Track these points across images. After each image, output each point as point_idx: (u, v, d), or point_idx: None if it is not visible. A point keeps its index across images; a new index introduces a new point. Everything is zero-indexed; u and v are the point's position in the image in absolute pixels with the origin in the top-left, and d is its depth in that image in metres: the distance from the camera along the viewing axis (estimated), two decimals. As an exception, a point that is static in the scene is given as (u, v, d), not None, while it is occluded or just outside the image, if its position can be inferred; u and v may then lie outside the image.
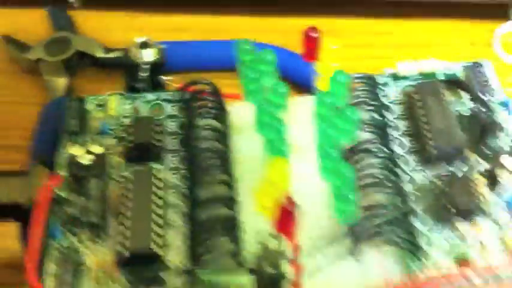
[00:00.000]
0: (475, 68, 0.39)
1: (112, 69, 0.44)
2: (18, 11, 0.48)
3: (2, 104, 0.43)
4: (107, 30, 0.46)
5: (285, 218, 0.28)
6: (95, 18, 0.47)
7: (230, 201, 0.33)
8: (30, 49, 0.44)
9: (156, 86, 0.38)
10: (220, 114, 0.37)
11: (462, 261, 0.31)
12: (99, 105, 0.37)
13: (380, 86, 0.38)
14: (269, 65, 0.35)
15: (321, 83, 0.35)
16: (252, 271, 0.28)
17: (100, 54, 0.44)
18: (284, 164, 0.30)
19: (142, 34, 0.46)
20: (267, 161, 0.32)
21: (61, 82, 0.43)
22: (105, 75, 0.44)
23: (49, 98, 0.42)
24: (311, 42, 0.35)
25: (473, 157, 0.34)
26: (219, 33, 0.46)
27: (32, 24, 0.47)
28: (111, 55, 0.44)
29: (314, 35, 0.35)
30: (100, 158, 0.34)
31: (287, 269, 0.28)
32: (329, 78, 0.34)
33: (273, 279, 0.27)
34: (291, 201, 0.28)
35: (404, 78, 0.39)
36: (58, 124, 0.37)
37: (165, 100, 0.38)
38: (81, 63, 0.44)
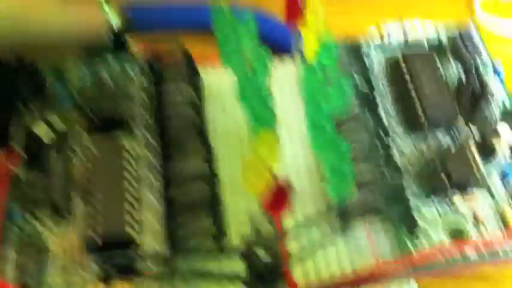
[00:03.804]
0: (460, 32, 0.37)
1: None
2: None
3: None
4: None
5: (278, 198, 0.26)
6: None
7: (210, 178, 0.30)
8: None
9: (118, 46, 0.34)
10: (193, 80, 0.34)
11: (457, 235, 0.30)
12: (56, 71, 0.34)
13: (365, 54, 0.36)
14: (249, 26, 0.32)
15: (307, 50, 0.32)
16: (243, 255, 0.25)
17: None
18: (272, 137, 0.28)
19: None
20: (252, 133, 0.29)
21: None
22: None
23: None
24: (294, 6, 0.32)
25: (466, 126, 0.33)
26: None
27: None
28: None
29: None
30: (60, 130, 0.31)
31: (279, 252, 0.25)
32: (318, 46, 0.32)
33: (267, 264, 0.24)
34: (284, 180, 0.26)
35: (390, 46, 0.36)
36: (8, 91, 0.33)
37: (129, 64, 0.34)
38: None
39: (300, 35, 0.33)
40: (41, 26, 0.30)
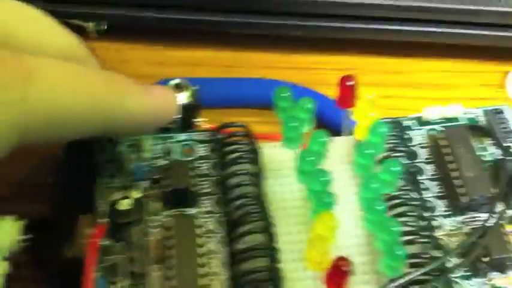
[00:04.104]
0: (495, 113, 0.40)
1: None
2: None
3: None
4: (125, 63, 0.46)
5: (338, 275, 0.29)
6: (113, 50, 0.47)
7: (270, 251, 0.33)
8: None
9: (186, 125, 0.38)
10: (254, 156, 0.37)
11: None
12: (132, 146, 0.37)
13: (405, 130, 0.39)
14: (308, 113, 0.35)
15: (358, 131, 0.36)
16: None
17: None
18: (331, 218, 0.31)
19: (161, 68, 0.46)
20: (312, 214, 0.32)
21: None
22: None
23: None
24: (347, 90, 0.36)
25: (503, 207, 0.35)
26: (238, 68, 0.47)
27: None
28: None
29: (350, 83, 0.35)
30: (138, 203, 0.34)
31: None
32: (367, 128, 0.35)
33: None
34: (345, 259, 0.29)
35: (428, 122, 0.39)
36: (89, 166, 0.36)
37: (196, 141, 0.38)
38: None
39: (350, 115, 0.36)
40: (122, 113, 0.31)
